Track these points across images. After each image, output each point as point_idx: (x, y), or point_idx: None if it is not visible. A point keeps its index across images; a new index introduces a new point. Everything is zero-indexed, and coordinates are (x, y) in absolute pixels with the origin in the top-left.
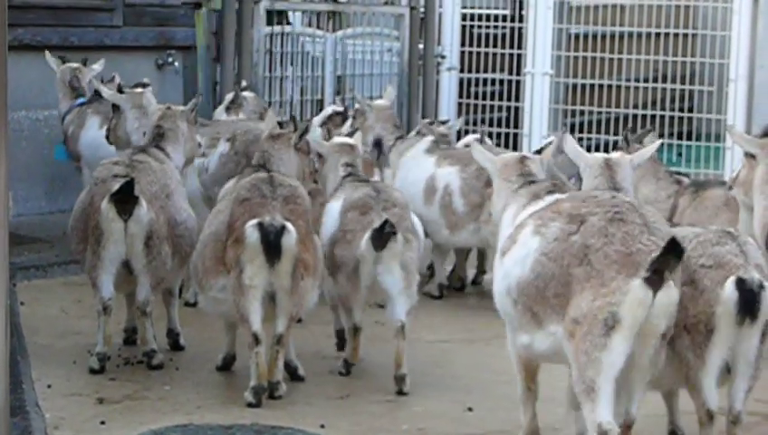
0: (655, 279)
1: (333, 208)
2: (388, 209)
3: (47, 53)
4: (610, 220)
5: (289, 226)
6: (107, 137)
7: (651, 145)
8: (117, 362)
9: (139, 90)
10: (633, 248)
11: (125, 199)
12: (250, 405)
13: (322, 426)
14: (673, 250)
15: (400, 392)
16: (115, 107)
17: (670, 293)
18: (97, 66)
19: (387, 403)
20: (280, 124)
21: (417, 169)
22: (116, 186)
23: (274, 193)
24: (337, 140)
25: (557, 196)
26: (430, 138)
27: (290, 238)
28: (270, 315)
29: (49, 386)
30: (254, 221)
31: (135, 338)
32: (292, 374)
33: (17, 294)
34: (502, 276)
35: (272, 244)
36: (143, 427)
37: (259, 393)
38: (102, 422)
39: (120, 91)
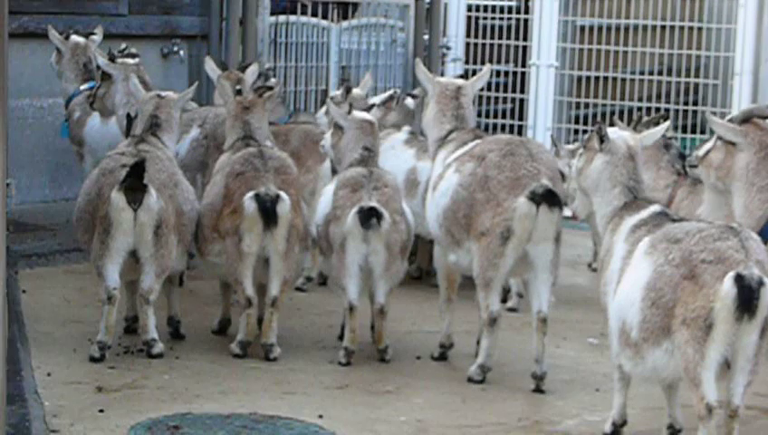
0: (536, 196)
1: (328, 189)
2: (379, 189)
3: (50, 28)
4: (504, 155)
5: (283, 194)
6: (91, 104)
7: (660, 126)
8: (117, 351)
9: (131, 60)
10: (520, 173)
11: (135, 188)
12: (236, 356)
13: (321, 416)
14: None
15: (383, 360)
16: (105, 75)
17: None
18: (97, 37)
19: (385, 394)
20: (239, 92)
21: (395, 159)
22: (125, 173)
23: (266, 166)
24: (358, 115)
25: (476, 142)
26: (408, 128)
27: (284, 206)
28: (264, 279)
29: (48, 374)
30: (251, 193)
31: (135, 327)
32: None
33: (19, 282)
34: (433, 206)
35: (269, 212)
36: (142, 416)
37: (245, 347)
38: (101, 410)
39: (111, 59)
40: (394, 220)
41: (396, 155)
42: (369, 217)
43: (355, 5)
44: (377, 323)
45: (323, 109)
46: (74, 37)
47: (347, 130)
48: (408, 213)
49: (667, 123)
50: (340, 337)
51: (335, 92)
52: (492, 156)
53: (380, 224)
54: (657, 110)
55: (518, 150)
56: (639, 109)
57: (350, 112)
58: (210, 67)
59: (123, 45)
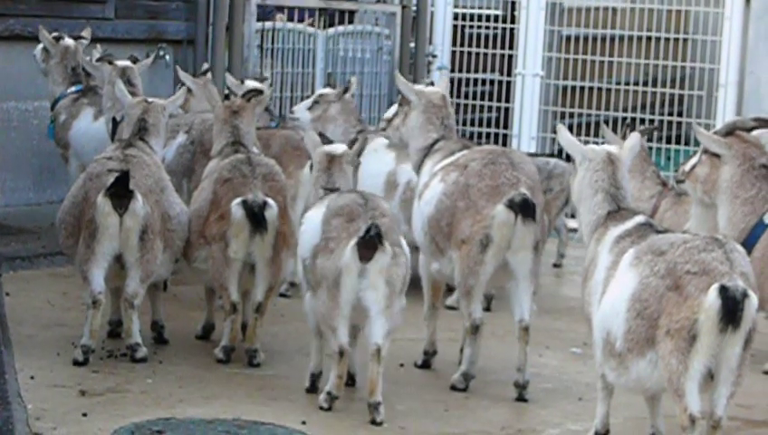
0: (514, 204)
1: (314, 217)
2: (377, 219)
3: (41, 28)
4: (485, 164)
5: (270, 201)
6: None
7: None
8: (100, 355)
9: (126, 63)
10: (499, 181)
11: (121, 194)
12: (219, 361)
13: (304, 422)
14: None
15: (373, 422)
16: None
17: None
18: (85, 40)
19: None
20: (227, 96)
21: (377, 162)
22: (111, 180)
23: (254, 172)
24: (323, 149)
25: (464, 152)
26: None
27: (272, 212)
28: (249, 285)
29: (32, 377)
30: (239, 199)
31: (119, 331)
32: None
33: (2, 285)
34: (419, 215)
35: (256, 218)
36: (125, 420)
37: (228, 352)
38: (84, 414)
39: (110, 62)
40: (395, 253)
41: (378, 158)
42: (367, 238)
43: (342, 12)
44: (371, 368)
45: (301, 104)
46: (66, 40)
47: (314, 162)
48: (404, 244)
49: (637, 136)
50: (310, 389)
51: (326, 90)
52: (474, 165)
53: (381, 251)
54: (642, 120)
55: (499, 160)
56: (624, 119)
57: (328, 142)
58: (184, 75)
59: (104, 50)
